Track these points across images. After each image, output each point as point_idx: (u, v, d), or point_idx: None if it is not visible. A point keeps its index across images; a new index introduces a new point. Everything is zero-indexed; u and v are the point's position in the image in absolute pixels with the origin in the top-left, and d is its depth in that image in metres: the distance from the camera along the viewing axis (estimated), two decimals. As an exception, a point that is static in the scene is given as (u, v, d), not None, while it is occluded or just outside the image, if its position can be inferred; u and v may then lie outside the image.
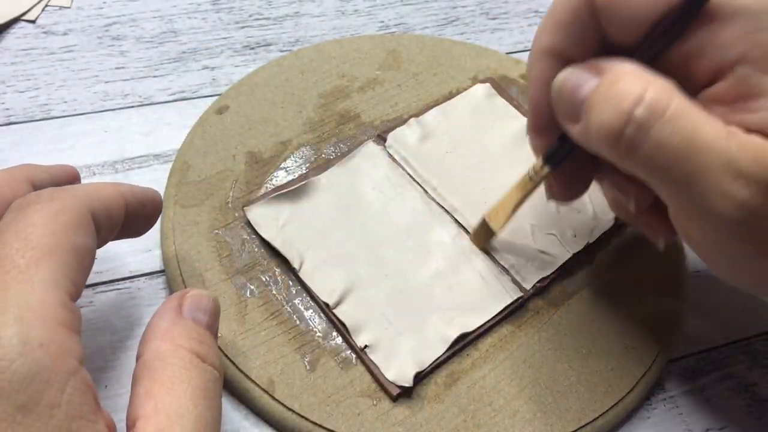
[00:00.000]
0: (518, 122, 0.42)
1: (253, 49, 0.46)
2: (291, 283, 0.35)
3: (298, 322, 0.33)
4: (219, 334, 0.32)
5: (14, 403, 0.19)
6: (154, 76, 0.44)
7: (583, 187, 0.32)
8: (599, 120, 0.24)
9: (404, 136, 0.40)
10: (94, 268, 0.35)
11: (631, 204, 0.29)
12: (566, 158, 0.30)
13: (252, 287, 0.34)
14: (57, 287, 0.22)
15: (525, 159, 0.41)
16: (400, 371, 0.32)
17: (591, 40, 0.27)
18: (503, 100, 0.43)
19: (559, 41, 0.27)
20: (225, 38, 0.47)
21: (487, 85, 0.43)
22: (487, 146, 0.41)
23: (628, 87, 0.23)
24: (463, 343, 0.34)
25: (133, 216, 0.28)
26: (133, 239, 0.36)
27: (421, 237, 0.37)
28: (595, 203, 0.38)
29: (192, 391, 0.23)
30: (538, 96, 0.29)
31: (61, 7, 0.47)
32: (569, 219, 0.38)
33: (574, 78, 0.26)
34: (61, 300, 0.22)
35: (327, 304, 0.33)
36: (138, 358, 0.25)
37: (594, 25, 0.26)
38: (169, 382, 0.23)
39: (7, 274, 0.21)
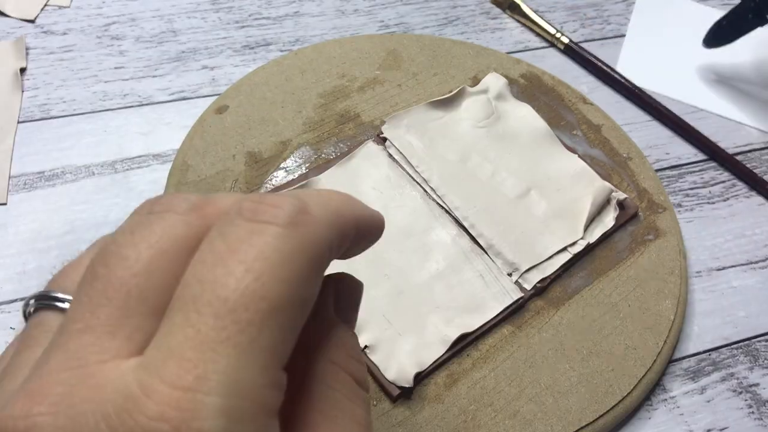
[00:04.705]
0: (522, 124, 0.42)
1: (252, 48, 0.46)
2: (291, 283, 0.34)
3: (297, 323, 0.33)
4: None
5: None
6: (154, 76, 0.44)
7: None
8: None
9: (403, 137, 0.40)
10: (94, 268, 0.35)
11: None
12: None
13: (252, 287, 0.34)
14: (275, 361, 0.15)
15: (528, 159, 0.41)
16: (400, 372, 0.32)
17: None
18: (510, 95, 0.43)
19: None
20: (225, 38, 0.46)
21: (495, 80, 0.43)
22: (488, 145, 0.41)
23: None
24: (463, 344, 0.33)
25: (353, 245, 0.20)
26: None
27: (421, 237, 0.36)
28: (595, 204, 0.38)
29: (355, 428, 0.18)
30: None
31: (60, 7, 0.46)
32: (570, 220, 0.38)
33: None
34: (275, 380, 0.15)
35: (327, 305, 0.33)
36: (292, 370, 0.19)
37: None
38: (333, 417, 0.18)
39: (223, 329, 0.14)
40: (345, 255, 0.20)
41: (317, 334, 0.19)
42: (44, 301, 0.18)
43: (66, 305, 0.18)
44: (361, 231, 0.20)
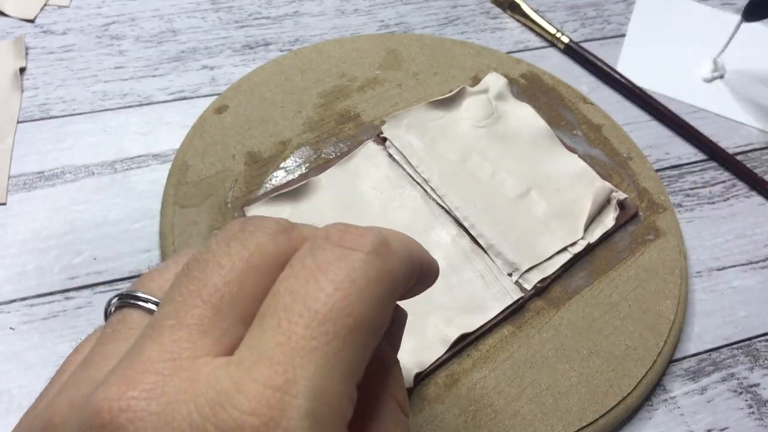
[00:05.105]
0: (523, 124, 0.42)
1: (252, 48, 0.46)
2: (291, 283, 0.34)
3: (297, 323, 0.33)
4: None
5: None
6: (153, 76, 0.44)
7: None
8: None
9: (404, 137, 0.40)
10: (94, 268, 0.35)
11: None
12: None
13: (251, 288, 0.34)
14: (353, 375, 0.17)
15: (528, 159, 0.41)
16: (400, 372, 0.32)
17: None
18: (511, 95, 0.43)
19: None
20: (224, 38, 0.46)
21: (494, 80, 0.43)
22: (488, 145, 0.41)
23: None
24: (463, 344, 0.33)
25: (415, 285, 0.22)
26: (132, 239, 0.36)
27: (421, 237, 0.36)
28: (595, 204, 0.38)
29: None
30: None
31: (59, 7, 0.46)
32: (570, 219, 0.38)
33: None
34: (351, 393, 0.17)
35: (327, 305, 0.33)
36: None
37: None
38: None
39: (312, 339, 0.16)
40: (403, 296, 0.22)
41: (374, 361, 0.20)
42: (128, 300, 0.19)
43: (150, 305, 0.19)
44: (424, 273, 0.21)
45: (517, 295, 0.35)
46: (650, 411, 0.34)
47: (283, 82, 0.42)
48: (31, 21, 0.45)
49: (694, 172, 0.44)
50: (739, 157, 0.45)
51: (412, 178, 0.39)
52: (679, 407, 0.35)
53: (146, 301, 0.19)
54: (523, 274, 0.36)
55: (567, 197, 0.39)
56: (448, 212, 0.37)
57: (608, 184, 0.40)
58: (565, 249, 0.37)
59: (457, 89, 0.42)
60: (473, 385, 0.33)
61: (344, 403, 0.16)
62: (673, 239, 0.39)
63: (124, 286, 0.35)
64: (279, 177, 0.38)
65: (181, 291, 0.17)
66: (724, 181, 0.44)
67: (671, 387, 0.35)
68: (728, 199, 0.43)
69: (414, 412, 0.31)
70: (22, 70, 0.42)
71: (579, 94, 0.45)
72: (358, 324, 0.17)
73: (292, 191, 0.37)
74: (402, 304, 0.35)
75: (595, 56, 0.49)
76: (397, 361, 0.22)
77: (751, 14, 0.46)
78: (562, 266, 0.36)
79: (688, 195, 0.43)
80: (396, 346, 0.23)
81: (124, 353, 0.17)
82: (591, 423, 0.32)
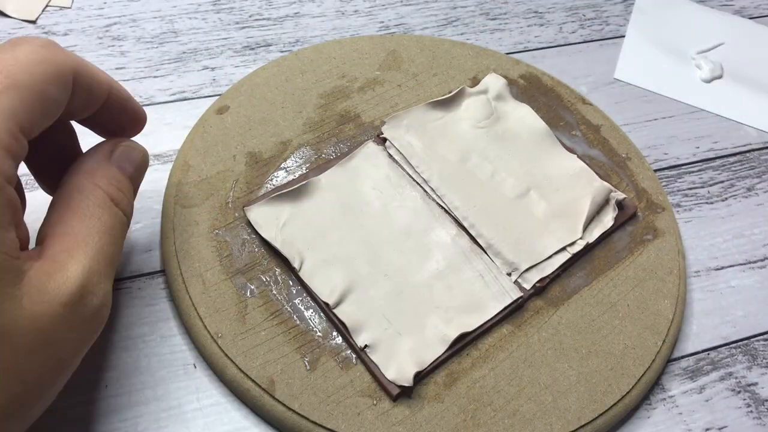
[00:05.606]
0: (522, 124, 0.42)
1: (253, 49, 0.46)
2: (291, 283, 0.35)
3: (298, 322, 0.33)
4: (219, 334, 0.32)
5: None
6: (155, 77, 0.44)
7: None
8: None
9: (403, 136, 0.40)
10: (95, 268, 0.35)
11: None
12: None
13: (252, 287, 0.34)
14: (12, 117, 0.23)
15: (528, 159, 0.41)
16: (400, 371, 0.32)
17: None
18: (510, 96, 0.43)
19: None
20: (225, 38, 0.47)
21: (493, 80, 0.43)
22: (487, 146, 0.41)
23: None
24: (462, 343, 0.34)
25: (111, 108, 0.30)
26: (133, 239, 0.36)
27: (421, 237, 0.37)
28: (594, 204, 0.38)
29: (100, 226, 0.26)
30: None
31: (61, 8, 0.47)
32: (569, 219, 0.38)
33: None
34: (10, 129, 0.23)
35: (327, 304, 0.33)
36: (59, 187, 0.27)
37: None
38: (81, 213, 0.26)
39: None
40: (76, 112, 0.28)
41: (88, 167, 0.28)
42: None
43: None
44: (116, 97, 0.30)
45: (516, 294, 0.35)
46: (649, 410, 0.35)
47: (284, 82, 0.43)
48: (33, 22, 0.46)
49: (692, 172, 0.45)
50: (737, 158, 0.46)
51: (412, 178, 0.39)
52: (677, 406, 0.35)
53: None
54: (522, 273, 0.36)
55: (566, 197, 0.39)
56: (447, 212, 0.38)
57: (607, 184, 0.40)
58: (564, 249, 0.37)
59: (457, 90, 0.43)
60: (473, 384, 0.33)
61: (3, 132, 0.22)
62: (671, 239, 0.39)
63: (125, 286, 0.35)
64: (279, 177, 0.38)
65: None
66: (722, 182, 0.44)
67: (670, 386, 0.36)
68: (726, 199, 0.44)
69: (414, 411, 0.32)
70: None
71: (578, 95, 0.45)
72: (12, 84, 0.23)
73: (293, 191, 0.37)
74: (401, 304, 0.35)
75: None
76: (122, 176, 0.29)
77: None
78: (561, 266, 0.37)
79: (686, 195, 0.43)
80: (124, 168, 0.29)
81: None
82: (590, 422, 0.32)
